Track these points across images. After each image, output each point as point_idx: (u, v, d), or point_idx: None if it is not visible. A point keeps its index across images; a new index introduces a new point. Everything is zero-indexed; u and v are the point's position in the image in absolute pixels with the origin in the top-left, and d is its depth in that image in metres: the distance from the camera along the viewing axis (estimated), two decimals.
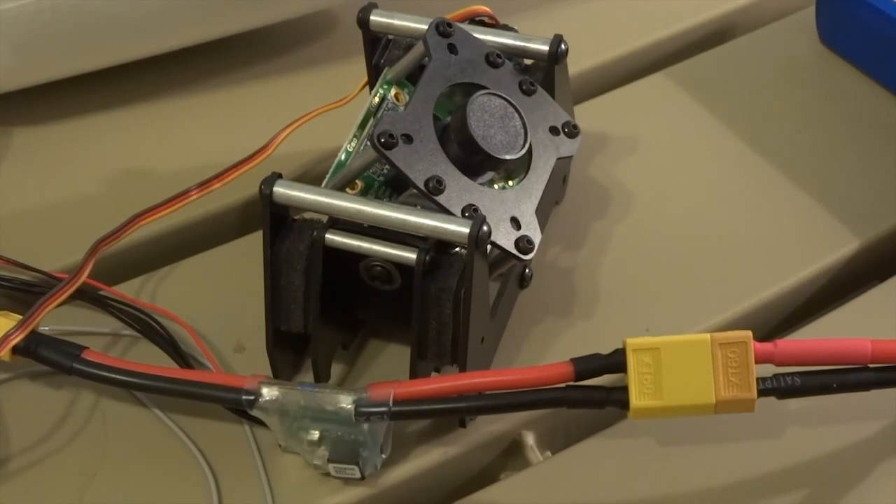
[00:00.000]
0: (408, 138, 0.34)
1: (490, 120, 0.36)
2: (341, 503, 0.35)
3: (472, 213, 0.34)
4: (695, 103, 0.48)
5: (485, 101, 0.36)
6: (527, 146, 0.36)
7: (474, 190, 0.35)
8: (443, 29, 0.37)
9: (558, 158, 0.38)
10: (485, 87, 0.36)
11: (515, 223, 0.35)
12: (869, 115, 0.47)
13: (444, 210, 0.34)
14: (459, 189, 0.34)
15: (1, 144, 0.46)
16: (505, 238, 0.35)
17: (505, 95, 0.36)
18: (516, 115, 0.36)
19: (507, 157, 0.35)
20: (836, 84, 0.48)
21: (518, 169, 0.37)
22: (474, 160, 0.35)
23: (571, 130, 0.38)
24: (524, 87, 0.38)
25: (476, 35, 0.38)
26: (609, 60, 0.50)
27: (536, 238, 0.35)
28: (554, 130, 0.38)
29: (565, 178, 0.43)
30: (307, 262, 0.35)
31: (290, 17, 0.48)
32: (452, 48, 0.37)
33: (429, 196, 0.34)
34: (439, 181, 0.34)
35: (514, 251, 0.35)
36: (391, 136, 0.34)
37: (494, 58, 0.38)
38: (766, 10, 0.53)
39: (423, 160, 0.34)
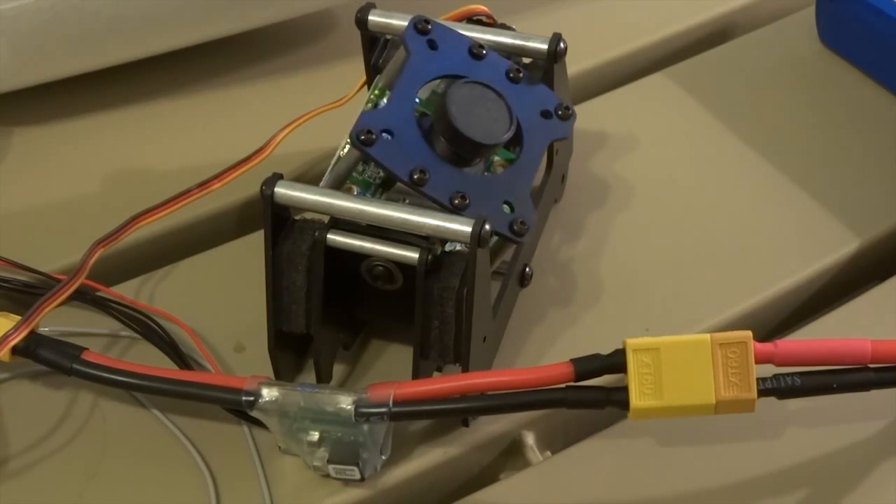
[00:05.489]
0: (388, 133, 0.34)
1: (473, 108, 0.35)
2: None
3: (460, 200, 0.34)
4: (695, 103, 0.48)
5: (465, 91, 0.36)
6: (512, 129, 0.36)
7: (462, 178, 0.35)
8: (421, 26, 0.37)
9: (552, 141, 0.37)
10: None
11: (509, 206, 0.35)
12: (869, 115, 0.47)
13: (431, 200, 0.34)
14: (446, 178, 0.34)
15: (1, 144, 0.46)
16: (498, 221, 0.35)
17: (487, 82, 0.36)
18: (500, 101, 0.36)
19: (491, 142, 0.35)
20: (836, 84, 0.48)
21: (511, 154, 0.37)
22: (462, 150, 0.35)
23: (564, 112, 0.38)
24: (511, 75, 0.38)
25: (462, 31, 0.38)
26: (609, 60, 0.50)
27: (530, 219, 0.35)
28: (546, 114, 0.38)
29: (564, 178, 0.43)
30: (309, 263, 0.35)
31: (290, 17, 0.48)
32: (432, 44, 0.37)
33: (413, 187, 0.34)
34: (423, 171, 0.34)
35: (508, 234, 0.35)
36: (370, 132, 0.34)
37: (477, 49, 0.38)
38: (766, 10, 0.53)
39: (406, 153, 0.34)
